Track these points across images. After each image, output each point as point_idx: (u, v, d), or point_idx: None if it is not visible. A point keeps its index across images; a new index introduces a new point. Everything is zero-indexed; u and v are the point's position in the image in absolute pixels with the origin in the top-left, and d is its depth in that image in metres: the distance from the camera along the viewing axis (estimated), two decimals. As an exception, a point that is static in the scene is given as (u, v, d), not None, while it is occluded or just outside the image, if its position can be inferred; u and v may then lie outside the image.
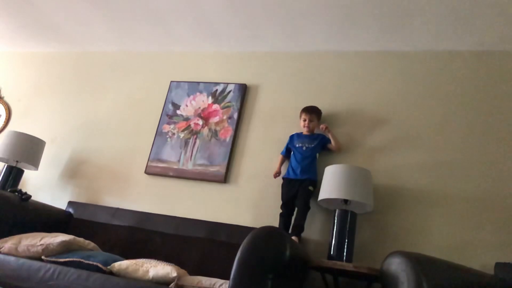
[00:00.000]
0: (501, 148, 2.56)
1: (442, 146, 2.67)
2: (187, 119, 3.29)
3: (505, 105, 2.65)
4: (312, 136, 2.81)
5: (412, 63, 2.96)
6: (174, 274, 1.99)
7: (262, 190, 2.88)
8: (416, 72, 2.92)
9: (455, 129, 2.69)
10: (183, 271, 2.10)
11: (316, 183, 2.64)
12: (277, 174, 2.81)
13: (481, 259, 2.32)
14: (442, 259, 1.78)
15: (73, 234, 2.47)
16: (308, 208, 2.60)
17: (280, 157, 2.88)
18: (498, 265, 2.14)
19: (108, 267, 2.12)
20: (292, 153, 2.81)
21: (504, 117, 2.63)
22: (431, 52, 2.94)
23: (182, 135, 3.24)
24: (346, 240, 2.33)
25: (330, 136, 2.78)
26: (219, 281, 1.96)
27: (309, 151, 2.73)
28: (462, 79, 2.81)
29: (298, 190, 2.64)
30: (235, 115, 3.16)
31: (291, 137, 2.87)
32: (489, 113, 2.67)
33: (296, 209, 2.62)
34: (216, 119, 3.21)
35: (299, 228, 2.53)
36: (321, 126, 2.81)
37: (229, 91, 3.26)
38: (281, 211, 2.66)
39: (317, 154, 2.78)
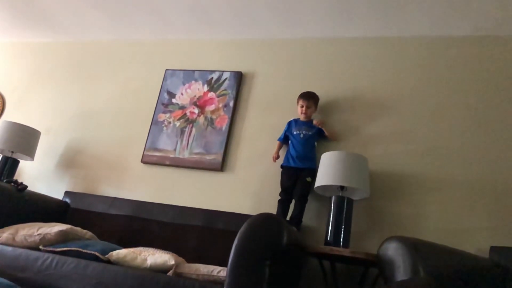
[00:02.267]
0: (496, 134, 2.57)
1: (438, 132, 2.67)
2: (182, 107, 3.27)
3: (500, 91, 2.65)
4: (309, 122, 2.80)
5: (408, 49, 2.95)
6: (172, 262, 2.00)
7: (259, 177, 2.89)
8: (412, 58, 2.91)
9: (451, 115, 2.69)
10: (181, 259, 2.12)
11: (315, 172, 2.61)
12: (275, 158, 2.81)
13: (477, 243, 2.34)
14: (438, 243, 1.80)
15: (70, 224, 2.47)
16: (306, 201, 2.61)
17: (277, 143, 2.87)
18: (493, 249, 2.16)
19: (106, 256, 2.12)
20: (290, 141, 2.81)
21: (499, 103, 2.63)
22: (427, 38, 2.93)
23: (178, 123, 3.23)
24: (343, 226, 2.34)
25: (324, 130, 2.78)
26: (217, 268, 1.97)
27: (306, 138, 2.73)
28: (458, 65, 2.80)
29: (297, 179, 2.64)
30: (231, 103, 3.15)
31: (289, 123, 2.86)
32: (484, 99, 2.67)
33: (293, 200, 2.63)
34: (212, 107, 3.20)
35: (296, 220, 2.56)
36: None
37: (225, 79, 3.25)
38: (279, 197, 2.66)
39: (316, 143, 2.78)
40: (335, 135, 2.81)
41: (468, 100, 2.69)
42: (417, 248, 1.63)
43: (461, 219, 2.44)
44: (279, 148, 2.86)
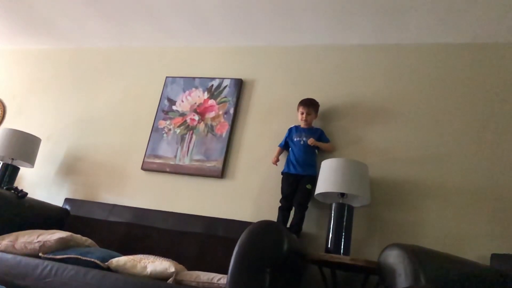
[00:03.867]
0: (496, 140, 2.57)
1: (438, 140, 2.68)
2: (183, 114, 3.28)
3: (500, 97, 2.66)
4: (310, 129, 2.80)
5: (407, 56, 2.96)
6: (172, 269, 1.99)
7: (259, 184, 2.89)
8: (411, 66, 2.92)
9: (450, 122, 2.69)
10: (181, 266, 2.11)
11: (315, 179, 2.61)
12: (275, 162, 2.80)
13: (477, 251, 2.33)
14: (438, 251, 1.79)
15: (70, 231, 2.47)
16: (306, 208, 2.61)
17: (278, 149, 2.86)
18: (494, 256, 2.15)
19: (106, 263, 2.12)
20: (290, 148, 2.80)
21: (499, 109, 2.64)
22: (426, 45, 2.94)
23: (178, 130, 3.23)
24: (343, 234, 2.33)
25: (319, 147, 2.76)
26: (217, 276, 1.97)
27: (307, 145, 2.72)
28: (457, 72, 2.81)
29: (297, 186, 2.64)
30: (231, 110, 3.16)
31: (290, 130, 2.86)
32: (484, 106, 2.67)
33: (294, 207, 2.63)
34: (212, 114, 3.21)
35: (296, 228, 2.55)
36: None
37: (225, 86, 3.26)
38: (280, 204, 2.66)
39: (316, 150, 2.78)
40: (331, 148, 2.81)
41: (468, 107, 2.70)
42: (418, 256, 1.63)
43: (462, 226, 2.44)
44: (279, 153, 2.85)
